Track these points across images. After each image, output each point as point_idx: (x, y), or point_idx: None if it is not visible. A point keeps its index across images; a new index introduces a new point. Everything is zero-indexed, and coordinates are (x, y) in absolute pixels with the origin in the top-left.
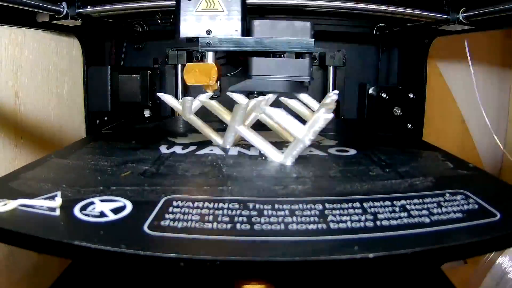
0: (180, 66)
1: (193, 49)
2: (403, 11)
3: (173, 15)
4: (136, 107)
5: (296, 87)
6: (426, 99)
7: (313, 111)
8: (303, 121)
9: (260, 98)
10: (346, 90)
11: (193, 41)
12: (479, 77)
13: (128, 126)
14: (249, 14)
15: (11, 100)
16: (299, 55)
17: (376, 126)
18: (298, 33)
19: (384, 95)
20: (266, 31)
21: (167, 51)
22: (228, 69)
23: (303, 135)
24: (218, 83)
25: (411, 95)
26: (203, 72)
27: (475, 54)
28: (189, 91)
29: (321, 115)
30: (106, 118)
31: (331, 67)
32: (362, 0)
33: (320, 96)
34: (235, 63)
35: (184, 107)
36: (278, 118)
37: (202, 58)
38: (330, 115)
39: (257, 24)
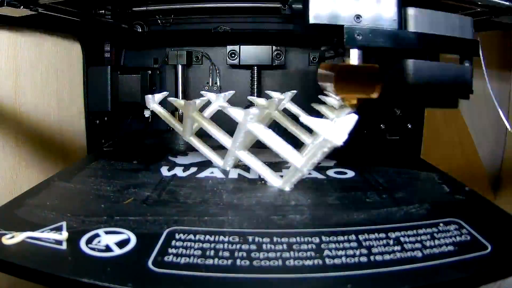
0: (180, 66)
1: (193, 49)
2: None
3: None
4: (136, 107)
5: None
6: None
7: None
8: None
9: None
10: None
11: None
12: (479, 77)
13: (129, 141)
14: None
15: (11, 100)
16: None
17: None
18: (458, 30)
19: None
20: (424, 22)
21: (167, 51)
22: None
23: (301, 165)
24: None
25: None
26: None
27: None
28: (189, 94)
29: (319, 148)
30: (106, 118)
31: None
32: None
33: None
34: None
35: (185, 128)
36: (275, 146)
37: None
38: (328, 150)
39: (413, 13)
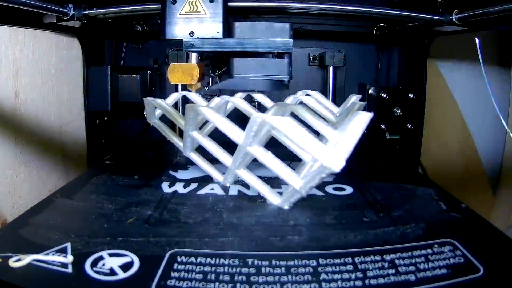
0: None
1: (193, 50)
2: (397, 13)
3: (158, 17)
4: (136, 107)
5: (276, 85)
6: (426, 99)
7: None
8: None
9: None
10: (346, 90)
11: (172, 42)
12: (479, 77)
13: (129, 152)
14: (235, 15)
15: (11, 100)
16: (280, 55)
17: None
18: (278, 34)
19: (384, 95)
20: (246, 32)
21: (167, 51)
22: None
23: (300, 187)
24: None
25: (411, 95)
26: (186, 72)
27: (474, 54)
28: None
29: (318, 174)
30: (106, 118)
31: (331, 67)
32: (358, 2)
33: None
34: (220, 64)
35: (185, 144)
36: (275, 169)
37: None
38: (326, 175)
39: (238, 25)
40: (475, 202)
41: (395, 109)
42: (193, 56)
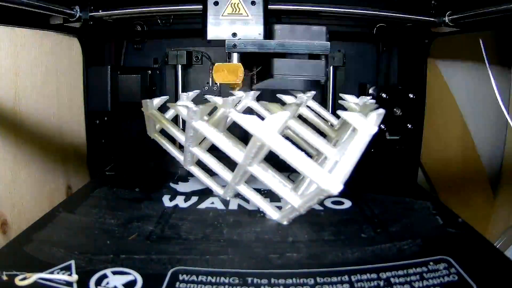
0: (180, 66)
1: (193, 49)
2: (393, 15)
3: (200, 18)
4: (136, 107)
5: (312, 85)
6: (426, 99)
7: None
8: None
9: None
10: (346, 90)
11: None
12: (479, 77)
13: (130, 162)
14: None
15: (11, 100)
16: (315, 56)
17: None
18: (315, 37)
19: (384, 95)
20: (285, 34)
21: (167, 51)
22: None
23: (298, 205)
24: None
25: (411, 95)
26: (231, 71)
27: (474, 54)
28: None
29: (316, 194)
30: (106, 118)
31: (331, 67)
32: (357, 4)
33: (319, 96)
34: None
35: (185, 158)
36: (274, 187)
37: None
38: (324, 197)
39: (278, 28)
40: (475, 202)
41: (395, 109)
42: (235, 56)
